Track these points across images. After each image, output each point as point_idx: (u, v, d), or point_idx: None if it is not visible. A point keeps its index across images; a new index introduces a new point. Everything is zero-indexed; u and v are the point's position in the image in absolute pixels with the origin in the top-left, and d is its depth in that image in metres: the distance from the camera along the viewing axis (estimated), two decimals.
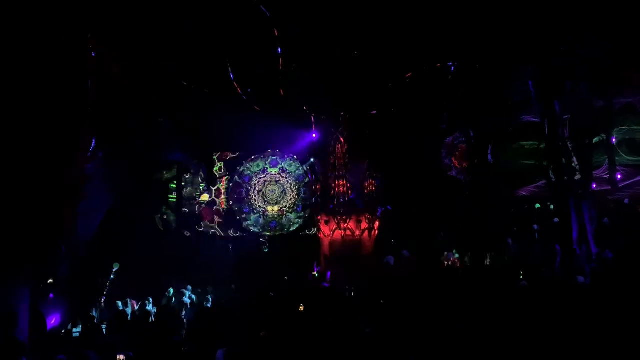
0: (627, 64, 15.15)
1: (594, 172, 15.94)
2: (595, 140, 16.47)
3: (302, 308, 11.51)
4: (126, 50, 15.92)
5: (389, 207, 17.45)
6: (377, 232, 16.79)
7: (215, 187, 20.16)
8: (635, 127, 17.37)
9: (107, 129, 15.66)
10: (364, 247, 16.60)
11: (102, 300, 12.37)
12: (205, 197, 19.50)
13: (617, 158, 17.12)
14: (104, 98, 15.37)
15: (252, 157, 20.14)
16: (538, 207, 18.10)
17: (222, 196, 20.02)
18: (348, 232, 16.51)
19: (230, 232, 19.98)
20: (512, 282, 13.01)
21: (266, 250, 17.78)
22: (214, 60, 16.20)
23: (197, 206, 19.60)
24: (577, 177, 15.55)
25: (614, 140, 16.86)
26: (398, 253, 15.94)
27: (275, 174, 20.15)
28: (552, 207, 16.61)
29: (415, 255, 15.93)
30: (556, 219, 15.85)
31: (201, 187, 19.69)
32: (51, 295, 12.25)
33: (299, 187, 20.13)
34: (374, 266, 15.44)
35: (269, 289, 13.26)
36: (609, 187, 16.65)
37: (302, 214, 20.01)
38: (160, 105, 16.71)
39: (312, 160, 17.93)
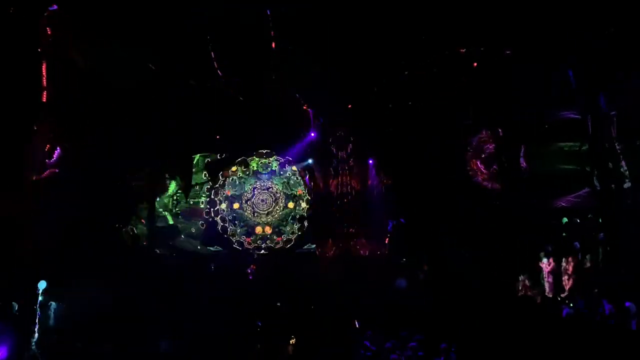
0: None
1: None
2: None
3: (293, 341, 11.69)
4: (90, 31, 15.49)
5: (401, 219, 16.91)
6: (387, 250, 16.56)
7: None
8: None
9: (67, 126, 15.44)
10: (372, 267, 16.35)
11: (35, 335, 11.56)
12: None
13: None
14: (62, 89, 15.09)
15: (240, 159, 19.63)
16: (566, 222, 17.27)
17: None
18: (353, 249, 16.31)
19: (214, 248, 19.40)
20: (554, 309, 13.01)
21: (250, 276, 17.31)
22: (195, 44, 15.83)
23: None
24: (627, 184, 15.05)
25: None
26: (411, 275, 16.16)
27: (266, 180, 19.64)
28: (600, 220, 15.87)
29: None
30: (601, 235, 15.22)
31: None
32: None
33: (294, 196, 19.59)
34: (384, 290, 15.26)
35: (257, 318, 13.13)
36: None
37: (297, 228, 19.44)
38: (132, 97, 16.28)
39: (309, 162, 17.37)
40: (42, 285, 12.42)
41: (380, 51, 15.82)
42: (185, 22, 15.53)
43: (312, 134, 17.62)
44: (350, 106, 16.77)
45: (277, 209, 19.46)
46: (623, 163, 15.08)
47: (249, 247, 19.31)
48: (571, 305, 12.78)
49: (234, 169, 19.67)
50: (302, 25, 15.60)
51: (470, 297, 14.30)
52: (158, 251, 18.02)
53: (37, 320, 11.97)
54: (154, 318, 13.61)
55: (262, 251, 19.29)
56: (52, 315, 12.98)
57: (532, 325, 11.62)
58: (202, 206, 19.50)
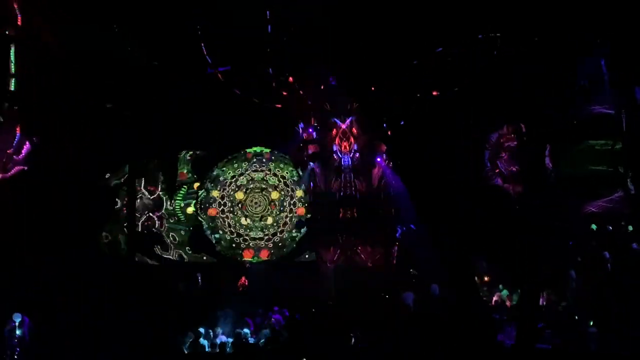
0: None
1: None
2: None
3: None
4: (65, 11, 15.48)
5: (411, 225, 16.79)
6: (395, 259, 16.39)
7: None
8: None
9: (37, 118, 15.40)
10: (378, 279, 15.92)
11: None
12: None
13: None
14: (33, 77, 15.09)
15: (230, 157, 19.41)
16: (595, 229, 17.12)
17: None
18: (357, 259, 16.18)
19: (202, 256, 19.23)
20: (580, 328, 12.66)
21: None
22: (179, 27, 15.80)
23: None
24: None
25: None
26: (423, 288, 15.67)
27: (260, 180, 19.37)
28: (630, 228, 15.85)
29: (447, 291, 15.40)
30: (635, 244, 15.01)
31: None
32: None
33: (291, 198, 19.37)
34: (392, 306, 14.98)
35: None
36: None
37: (295, 234, 19.23)
38: (109, 87, 16.24)
39: (311, 164, 17.17)
40: (17, 317, 12.21)
41: (389, 39, 15.72)
42: (172, 6, 15.55)
43: (312, 130, 17.33)
44: (354, 100, 16.63)
45: (272, 214, 19.26)
46: None
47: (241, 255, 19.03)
48: (592, 324, 12.71)
49: (223, 167, 19.50)
50: (302, 16, 15.54)
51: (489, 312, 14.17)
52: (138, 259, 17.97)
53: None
54: (132, 333, 12.92)
55: (255, 260, 19.02)
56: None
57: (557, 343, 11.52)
58: (188, 209, 19.33)
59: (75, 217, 16.28)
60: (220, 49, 16.35)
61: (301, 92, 16.70)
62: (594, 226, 16.94)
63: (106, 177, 18.15)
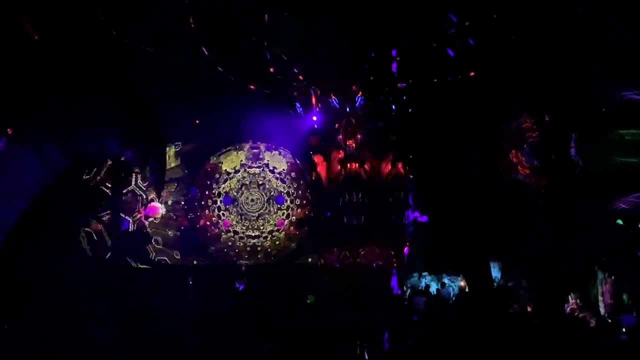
0: None
1: None
2: None
3: None
4: None
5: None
6: (406, 259, 16.55)
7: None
8: None
9: (11, 107, 15.44)
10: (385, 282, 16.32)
11: None
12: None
13: None
14: (4, 61, 15.10)
15: (224, 149, 19.45)
16: (622, 225, 17.17)
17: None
18: (362, 261, 16.57)
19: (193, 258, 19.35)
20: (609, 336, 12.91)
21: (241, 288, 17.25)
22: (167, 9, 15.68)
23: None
24: None
25: None
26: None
27: (256, 175, 19.42)
28: None
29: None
30: None
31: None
32: None
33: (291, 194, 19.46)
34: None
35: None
36: None
37: (296, 233, 19.29)
38: (91, 74, 16.11)
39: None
40: None
41: (396, 16, 15.70)
42: None
43: (315, 119, 17.55)
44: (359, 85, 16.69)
45: (271, 211, 19.32)
46: None
47: (236, 257, 19.19)
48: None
49: (216, 161, 19.56)
50: None
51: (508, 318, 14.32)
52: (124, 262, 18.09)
53: None
54: (118, 345, 13.47)
55: (251, 263, 19.14)
56: None
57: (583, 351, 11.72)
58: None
59: (55, 216, 16.25)
60: (212, 29, 16.21)
61: (301, 77, 16.77)
62: (619, 221, 17.04)
63: (87, 171, 17.85)
